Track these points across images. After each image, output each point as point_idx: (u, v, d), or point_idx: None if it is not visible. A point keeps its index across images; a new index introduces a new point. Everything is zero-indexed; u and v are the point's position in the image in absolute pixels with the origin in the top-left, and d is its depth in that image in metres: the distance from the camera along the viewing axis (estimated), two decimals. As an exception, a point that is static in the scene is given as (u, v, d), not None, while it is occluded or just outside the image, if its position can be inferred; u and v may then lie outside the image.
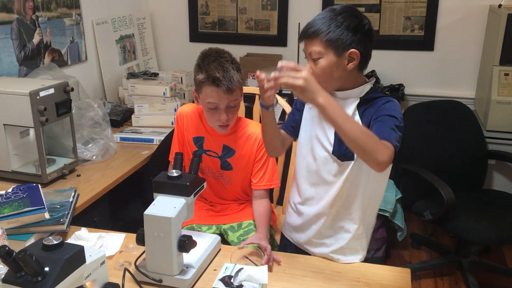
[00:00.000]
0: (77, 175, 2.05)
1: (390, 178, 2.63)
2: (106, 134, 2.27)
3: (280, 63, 1.24)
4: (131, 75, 2.99)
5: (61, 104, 1.93)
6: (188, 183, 1.31)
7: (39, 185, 1.67)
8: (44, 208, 1.51)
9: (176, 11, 3.47)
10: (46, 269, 0.95)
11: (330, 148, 1.43)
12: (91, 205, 1.88)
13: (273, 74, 1.23)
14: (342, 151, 1.40)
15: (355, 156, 1.37)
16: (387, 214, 2.47)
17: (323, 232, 1.52)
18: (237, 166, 1.80)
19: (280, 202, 2.13)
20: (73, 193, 1.70)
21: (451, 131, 2.57)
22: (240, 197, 1.90)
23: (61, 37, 2.56)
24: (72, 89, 1.98)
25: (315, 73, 1.34)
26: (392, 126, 1.30)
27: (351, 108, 1.40)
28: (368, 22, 1.38)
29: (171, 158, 1.91)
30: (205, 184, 1.41)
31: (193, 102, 2.68)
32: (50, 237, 1.01)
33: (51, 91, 1.89)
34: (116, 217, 2.27)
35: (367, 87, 1.42)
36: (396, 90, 3.02)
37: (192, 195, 1.33)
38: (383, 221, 2.54)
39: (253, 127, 1.81)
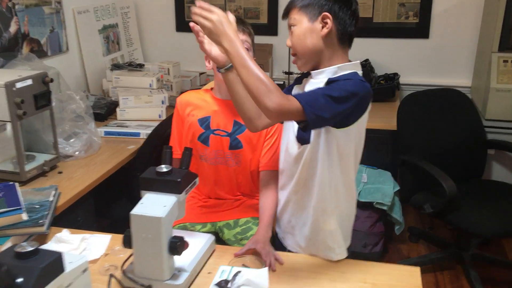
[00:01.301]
0: (59, 172, 1.92)
1: (387, 170, 2.59)
2: (90, 128, 2.14)
3: (197, 2, 1.25)
4: (116, 67, 2.85)
5: (40, 96, 1.80)
6: (179, 179, 1.20)
7: (16, 183, 1.55)
8: (21, 208, 1.39)
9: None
10: (19, 280, 0.83)
11: (295, 133, 1.40)
12: (74, 203, 1.76)
13: (192, 8, 1.25)
14: (300, 135, 1.37)
15: (311, 139, 1.33)
16: (385, 208, 2.38)
17: (291, 221, 1.47)
18: (247, 143, 1.69)
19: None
20: (53, 192, 1.58)
21: (449, 121, 2.49)
22: (242, 188, 1.77)
23: (40, 27, 2.42)
24: (52, 80, 1.85)
25: (292, 44, 1.34)
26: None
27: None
28: None
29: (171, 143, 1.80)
30: (197, 180, 1.30)
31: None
32: (24, 243, 0.89)
33: (29, 82, 1.76)
34: (102, 216, 2.15)
35: (345, 67, 1.31)
36: (391, 79, 2.93)
37: (184, 192, 1.22)
38: (381, 215, 2.45)
39: None
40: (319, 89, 1.27)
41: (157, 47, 3.44)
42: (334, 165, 1.34)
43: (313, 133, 1.35)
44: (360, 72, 1.35)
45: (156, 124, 2.32)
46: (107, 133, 2.32)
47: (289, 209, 1.48)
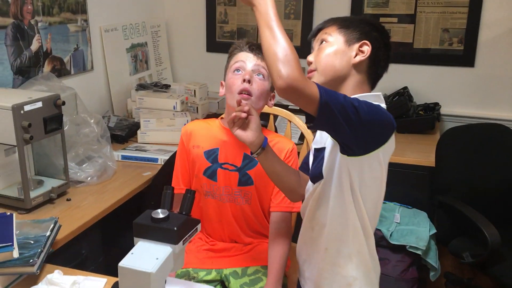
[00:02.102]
0: (67, 199, 1.82)
1: (423, 210, 2.37)
2: (105, 152, 2.04)
3: None
4: (141, 87, 2.77)
5: (50, 120, 1.71)
6: (175, 228, 1.06)
7: (13, 214, 1.44)
8: (12, 245, 1.28)
9: (193, 19, 3.25)
10: None
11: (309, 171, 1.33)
12: (79, 235, 1.65)
13: None
14: (313, 173, 1.28)
15: (324, 174, 1.23)
16: (419, 252, 2.16)
17: (307, 261, 1.36)
18: (258, 180, 1.55)
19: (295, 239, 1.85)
20: (52, 225, 1.46)
21: (493, 159, 2.26)
22: (253, 228, 1.63)
23: (63, 44, 2.36)
24: (64, 103, 1.76)
25: (316, 59, 1.25)
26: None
27: None
28: (388, 34, 1.30)
29: (174, 183, 1.67)
30: (199, 226, 1.16)
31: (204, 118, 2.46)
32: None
33: (39, 104, 1.67)
34: (110, 245, 2.03)
35: (367, 98, 1.17)
36: (431, 110, 2.71)
37: (181, 242, 1.08)
38: (414, 259, 2.23)
39: (284, 140, 1.60)
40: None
41: (186, 67, 3.36)
42: (347, 202, 1.20)
43: (326, 168, 1.21)
44: (383, 106, 1.20)
45: (176, 148, 2.21)
46: (124, 157, 2.22)
47: (304, 249, 1.36)
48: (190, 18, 3.26)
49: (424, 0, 2.77)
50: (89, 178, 1.94)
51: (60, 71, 2.34)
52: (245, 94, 1.46)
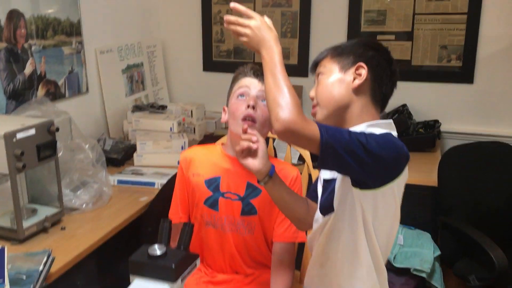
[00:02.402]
0: (62, 228, 1.76)
1: (426, 230, 2.32)
2: (100, 177, 1.99)
3: (232, 4, 1.18)
4: (137, 108, 2.73)
5: (43, 147, 1.66)
6: (173, 265, 1.01)
7: (5, 248, 1.39)
8: (3, 282, 1.23)
9: (190, 38, 3.22)
10: None
11: (318, 202, 1.29)
12: (74, 265, 1.60)
13: (225, 17, 1.17)
14: (323, 204, 1.24)
15: (335, 207, 1.18)
16: (424, 275, 2.11)
17: None
18: (262, 209, 1.50)
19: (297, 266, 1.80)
20: (45, 259, 1.41)
21: (496, 178, 2.22)
22: (255, 258, 1.57)
23: (58, 67, 2.32)
24: (58, 129, 1.71)
25: (316, 93, 1.23)
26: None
27: None
28: (386, 49, 1.25)
29: (171, 216, 1.61)
30: (198, 261, 1.11)
31: (199, 143, 2.42)
32: None
33: (32, 132, 1.63)
34: (106, 273, 1.97)
35: (377, 126, 1.14)
36: (431, 127, 2.68)
37: (179, 280, 1.03)
38: (419, 282, 2.17)
39: (288, 167, 1.55)
40: (346, 128, 1.10)
41: (183, 86, 3.32)
42: (359, 237, 1.15)
43: (336, 200, 1.17)
44: (395, 133, 1.16)
45: (173, 172, 2.16)
46: (120, 181, 2.17)
47: (313, 286, 1.29)
48: (186, 38, 3.24)
49: (421, 17, 2.76)
50: (84, 205, 1.89)
51: (55, 94, 2.30)
52: (249, 120, 1.43)
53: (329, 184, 1.22)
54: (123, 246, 1.99)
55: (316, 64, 1.27)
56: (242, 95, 1.48)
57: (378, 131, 1.13)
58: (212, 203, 1.50)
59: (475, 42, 2.70)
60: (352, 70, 1.18)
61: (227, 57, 3.16)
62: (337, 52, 1.22)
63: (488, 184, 2.19)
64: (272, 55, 1.10)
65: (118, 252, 2.04)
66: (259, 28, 1.13)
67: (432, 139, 2.58)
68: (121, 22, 2.81)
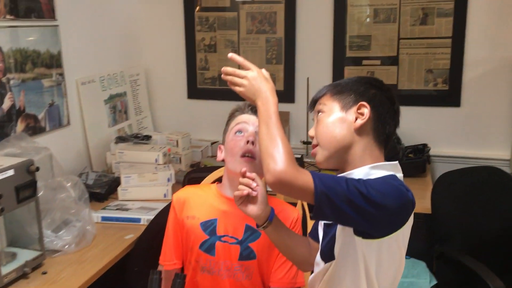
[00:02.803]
0: (43, 273, 1.67)
1: (421, 259, 2.27)
2: (83, 215, 1.91)
3: (230, 54, 1.18)
4: (120, 139, 2.65)
5: (22, 188, 1.59)
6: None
7: (-19, 300, 1.30)
8: None
9: (173, 66, 3.18)
10: None
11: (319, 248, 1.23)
12: (56, 313, 1.51)
13: (223, 69, 1.18)
14: (323, 250, 1.18)
15: (336, 254, 1.12)
16: (420, 307, 2.05)
17: None
18: (262, 253, 1.42)
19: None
20: (25, 311, 1.32)
21: (491, 203, 2.19)
22: None
23: (38, 101, 2.24)
24: (38, 169, 1.63)
25: (316, 132, 1.18)
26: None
27: None
28: (389, 87, 1.22)
29: (163, 261, 1.53)
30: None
31: (186, 174, 2.34)
32: None
33: (10, 173, 1.55)
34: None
35: (380, 167, 1.09)
36: (421, 152, 2.66)
37: None
38: (416, 314, 2.12)
39: (288, 208, 1.48)
40: (344, 176, 1.05)
41: (167, 114, 3.26)
42: (361, 287, 1.08)
43: (337, 248, 1.10)
44: (400, 176, 1.11)
45: (160, 206, 2.09)
46: (104, 218, 2.08)
47: None
48: (170, 65, 3.19)
49: (406, 42, 2.76)
50: (66, 246, 1.80)
51: (35, 128, 2.22)
52: (248, 156, 1.37)
53: (329, 229, 1.16)
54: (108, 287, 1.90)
55: (315, 101, 1.22)
56: (240, 131, 1.43)
57: (382, 173, 1.08)
58: (208, 248, 1.42)
59: (460, 65, 2.70)
60: (354, 109, 1.13)
61: (212, 84, 3.11)
62: (337, 90, 1.17)
63: (483, 210, 2.16)
64: (268, 106, 1.09)
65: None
66: (256, 79, 1.12)
67: (422, 164, 2.56)
68: (102, 51, 2.75)
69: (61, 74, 2.39)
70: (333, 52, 2.86)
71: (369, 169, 1.10)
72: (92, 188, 2.32)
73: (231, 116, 1.50)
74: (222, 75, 1.19)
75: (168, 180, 2.36)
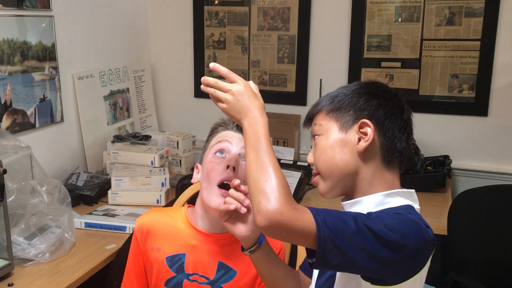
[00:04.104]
0: (9, 285, 1.53)
1: (435, 285, 2.04)
2: (63, 221, 1.76)
3: (212, 64, 1.04)
4: (117, 138, 2.51)
5: (-13, 192, 1.45)
6: None
7: None
8: None
9: (181, 62, 3.01)
10: None
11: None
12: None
13: (203, 79, 1.04)
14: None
15: None
16: None
17: None
18: None
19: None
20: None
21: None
22: None
23: (27, 95, 2.11)
24: (5, 171, 1.49)
25: (314, 159, 1.00)
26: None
27: None
28: (394, 93, 1.01)
29: None
30: None
31: (185, 177, 2.18)
32: None
33: (-27, 175, 1.41)
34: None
35: (395, 195, 0.92)
36: (441, 164, 2.42)
37: None
38: None
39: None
40: (351, 212, 0.88)
41: (173, 113, 3.10)
42: None
43: None
44: (417, 206, 0.93)
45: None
46: (88, 224, 1.93)
47: None
48: (176, 62, 3.03)
49: (430, 43, 2.52)
50: (40, 255, 1.66)
51: (22, 125, 2.09)
52: (227, 188, 1.15)
53: None
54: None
55: (310, 118, 1.03)
56: (221, 151, 1.24)
57: (398, 202, 0.91)
58: (175, 286, 1.25)
59: (489, 71, 2.45)
60: (355, 128, 0.95)
61: (220, 83, 2.93)
62: (334, 106, 0.98)
63: (507, 235, 1.92)
64: (256, 128, 0.92)
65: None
66: (242, 94, 0.96)
67: (442, 178, 2.32)
68: (104, 45, 2.61)
69: (55, 68, 2.26)
70: (349, 52, 2.64)
71: (383, 196, 0.93)
72: (82, 190, 2.18)
73: (213, 132, 1.31)
74: (202, 86, 1.04)
75: (162, 185, 2.20)
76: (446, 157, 2.47)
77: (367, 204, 0.93)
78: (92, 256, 1.72)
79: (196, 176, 1.30)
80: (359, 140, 0.94)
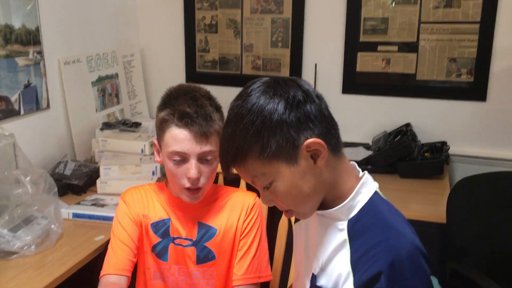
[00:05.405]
0: (-9, 279, 1.47)
1: (434, 274, 2.00)
2: (49, 212, 1.69)
3: None
4: (106, 126, 2.43)
5: (-34, 183, 1.37)
6: None
7: None
8: None
9: (171, 47, 2.93)
10: None
11: None
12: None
13: None
14: None
15: None
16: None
17: None
18: (221, 252, 1.26)
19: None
20: None
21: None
22: None
23: (10, 81, 2.03)
24: (-15, 161, 1.42)
25: (282, 203, 0.93)
26: None
27: (337, 241, 0.93)
28: (299, 90, 0.91)
29: (110, 267, 1.33)
30: None
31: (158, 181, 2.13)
32: None
33: (-50, 165, 1.33)
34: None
35: (358, 197, 0.92)
36: (439, 150, 2.37)
37: None
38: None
39: (241, 195, 1.31)
40: None
41: (164, 99, 3.02)
42: None
43: None
44: (376, 185, 0.95)
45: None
46: (75, 215, 1.86)
47: None
48: (167, 46, 2.94)
49: (428, 26, 2.45)
50: (25, 248, 1.59)
51: (6, 112, 2.01)
52: (193, 189, 1.20)
53: None
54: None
55: (230, 167, 0.92)
56: (179, 156, 1.19)
57: (369, 190, 0.92)
58: (161, 252, 1.26)
59: (488, 55, 2.39)
60: (301, 153, 0.87)
61: (212, 68, 2.86)
62: (259, 148, 0.86)
63: (507, 223, 1.88)
64: None
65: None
66: None
67: (440, 165, 2.27)
68: (91, 29, 2.52)
69: (40, 52, 2.17)
70: (345, 36, 2.57)
71: (359, 188, 0.94)
72: (69, 179, 2.11)
73: (163, 125, 1.22)
74: None
75: (153, 173, 2.13)
76: (444, 143, 2.42)
77: (337, 214, 0.93)
78: (80, 248, 1.66)
79: (158, 158, 1.29)
80: (314, 159, 0.89)
